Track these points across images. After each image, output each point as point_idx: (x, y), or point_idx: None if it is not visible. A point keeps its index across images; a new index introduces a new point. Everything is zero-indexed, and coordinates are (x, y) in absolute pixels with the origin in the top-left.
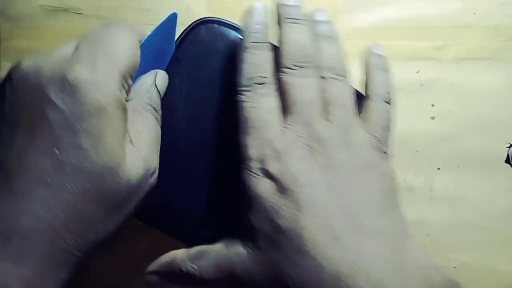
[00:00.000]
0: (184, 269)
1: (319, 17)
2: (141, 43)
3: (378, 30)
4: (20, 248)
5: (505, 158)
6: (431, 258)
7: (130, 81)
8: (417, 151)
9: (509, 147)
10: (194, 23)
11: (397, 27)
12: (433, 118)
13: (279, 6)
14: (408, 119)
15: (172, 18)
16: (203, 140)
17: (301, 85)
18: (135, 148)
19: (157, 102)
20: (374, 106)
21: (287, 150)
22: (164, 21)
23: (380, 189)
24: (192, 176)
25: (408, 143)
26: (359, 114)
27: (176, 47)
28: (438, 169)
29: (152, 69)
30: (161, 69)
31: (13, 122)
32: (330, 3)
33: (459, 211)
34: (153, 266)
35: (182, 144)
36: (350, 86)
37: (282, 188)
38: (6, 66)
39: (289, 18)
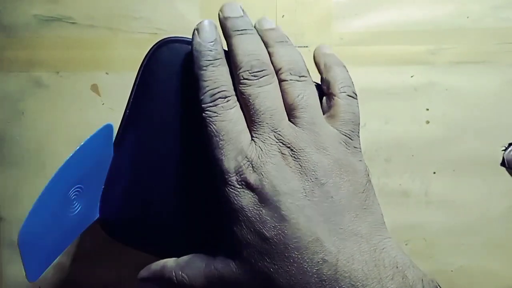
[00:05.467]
0: (174, 278)
1: (266, 25)
2: (77, 149)
3: (371, 35)
4: None
5: (500, 161)
6: (408, 256)
7: None
8: (412, 155)
9: (504, 150)
10: (155, 45)
11: (390, 32)
12: (428, 122)
13: (225, 20)
14: (402, 123)
15: (109, 127)
16: (175, 159)
17: (262, 94)
18: None
19: None
20: (340, 102)
21: (261, 159)
22: (99, 129)
23: (355, 188)
24: (163, 194)
25: (403, 148)
26: (326, 111)
27: (141, 71)
28: (434, 173)
29: (93, 174)
30: (102, 173)
31: None
32: (323, 10)
33: (455, 215)
34: (144, 272)
35: (153, 164)
36: (312, 84)
37: (263, 198)
38: (1, 76)
39: (237, 30)
